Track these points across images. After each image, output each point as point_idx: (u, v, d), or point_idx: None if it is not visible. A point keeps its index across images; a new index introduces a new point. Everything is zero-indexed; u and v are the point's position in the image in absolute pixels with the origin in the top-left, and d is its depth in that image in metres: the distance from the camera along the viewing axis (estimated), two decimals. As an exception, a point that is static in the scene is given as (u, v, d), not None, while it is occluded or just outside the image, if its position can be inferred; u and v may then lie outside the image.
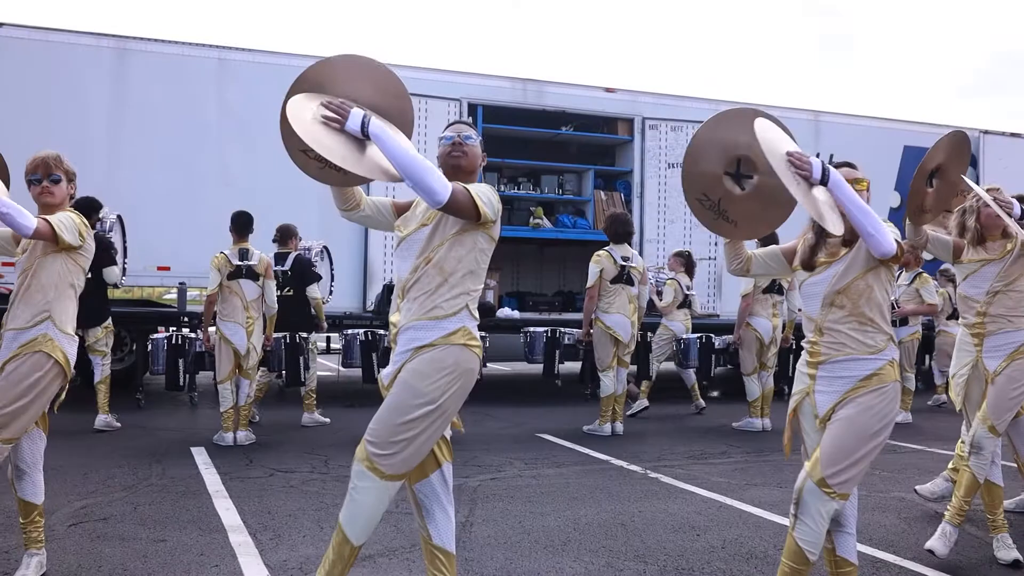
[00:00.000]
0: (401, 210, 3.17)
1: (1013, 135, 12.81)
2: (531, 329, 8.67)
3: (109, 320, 7.28)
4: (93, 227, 7.05)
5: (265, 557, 3.87)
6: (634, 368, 8.33)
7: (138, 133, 9.03)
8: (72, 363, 3.59)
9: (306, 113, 2.88)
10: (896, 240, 2.89)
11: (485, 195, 2.92)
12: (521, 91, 10.58)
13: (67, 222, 3.50)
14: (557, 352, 8.49)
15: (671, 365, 9.48)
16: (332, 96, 2.96)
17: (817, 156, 2.93)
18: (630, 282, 7.38)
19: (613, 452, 6.57)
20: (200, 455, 6.11)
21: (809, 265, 3.11)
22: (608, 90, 10.93)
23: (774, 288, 7.84)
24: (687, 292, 9.01)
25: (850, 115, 12.22)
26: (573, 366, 10.48)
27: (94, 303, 7.16)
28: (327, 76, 3.04)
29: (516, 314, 10.04)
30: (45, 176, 3.59)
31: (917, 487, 5.18)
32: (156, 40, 9.27)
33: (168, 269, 9.05)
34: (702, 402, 8.80)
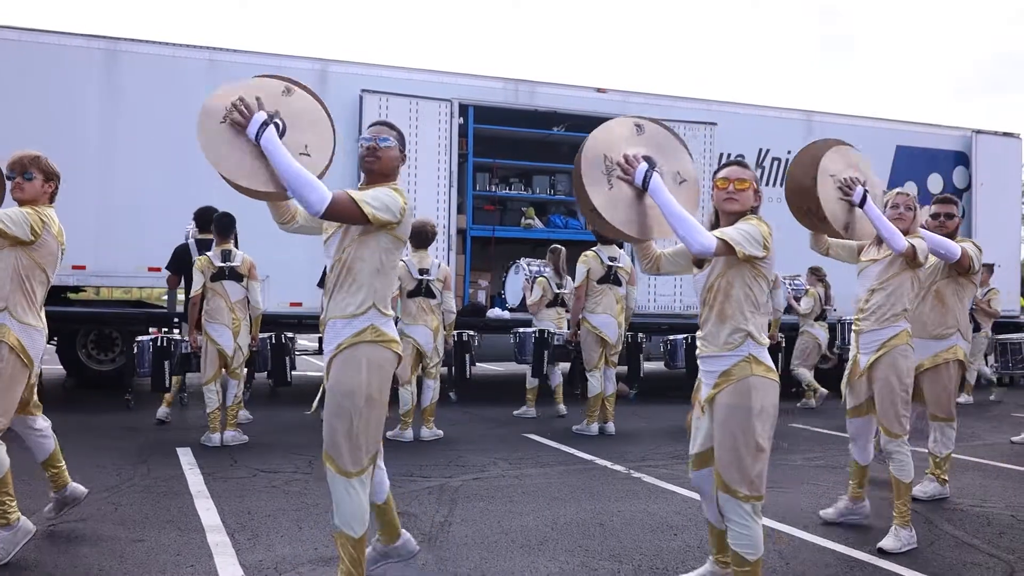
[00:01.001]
0: None
1: (1005, 134, 12.82)
2: (520, 330, 8.64)
3: None
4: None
5: (241, 557, 3.89)
6: (623, 369, 8.35)
7: (130, 134, 9.04)
8: (34, 352, 3.84)
9: (220, 107, 2.99)
10: (721, 238, 3.00)
11: (377, 199, 3.09)
12: (512, 91, 10.59)
13: (16, 216, 3.68)
14: (546, 352, 8.46)
15: (659, 365, 9.50)
16: (249, 93, 3.05)
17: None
18: (617, 282, 7.39)
19: (598, 452, 6.58)
20: (186, 455, 6.12)
21: (699, 262, 3.25)
22: (599, 90, 10.94)
23: None
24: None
25: (842, 115, 12.22)
26: (563, 366, 10.49)
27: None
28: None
29: (506, 314, 10.05)
30: (20, 173, 3.82)
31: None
32: (147, 41, 9.29)
33: (159, 270, 9.05)
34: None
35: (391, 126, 3.37)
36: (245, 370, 7.13)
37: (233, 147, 3.02)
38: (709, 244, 2.98)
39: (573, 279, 8.60)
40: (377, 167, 3.28)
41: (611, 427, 7.46)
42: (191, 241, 7.45)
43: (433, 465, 5.96)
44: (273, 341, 7.20)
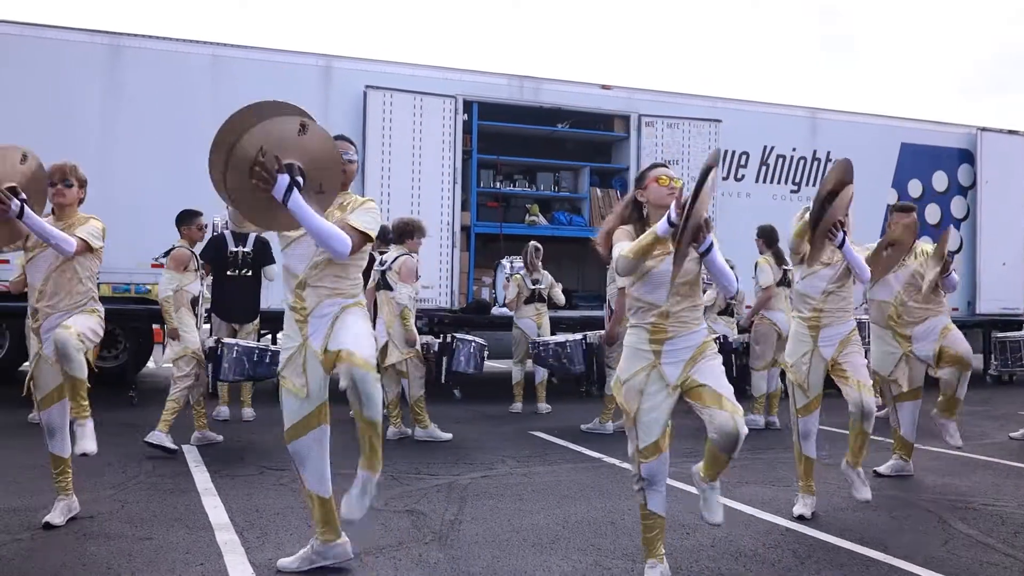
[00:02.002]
0: None
1: (1011, 132, 12.76)
2: (569, 338, 7.91)
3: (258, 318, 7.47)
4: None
5: (251, 556, 3.85)
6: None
7: (132, 130, 8.98)
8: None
9: (231, 144, 3.11)
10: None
11: (373, 221, 3.54)
12: (517, 88, 10.55)
13: (94, 231, 4.30)
14: (594, 359, 7.82)
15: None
16: (268, 140, 3.14)
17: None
18: None
19: (606, 450, 6.55)
20: (191, 452, 6.09)
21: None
22: (604, 87, 10.89)
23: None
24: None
25: (847, 112, 12.17)
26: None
27: (249, 301, 7.25)
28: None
29: (508, 311, 9.99)
30: (60, 181, 4.28)
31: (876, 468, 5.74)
32: (150, 37, 9.24)
33: (161, 267, 9.01)
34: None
35: (351, 140, 3.72)
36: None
37: (254, 197, 3.19)
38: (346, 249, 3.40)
39: (562, 274, 8.61)
40: (343, 180, 3.56)
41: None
42: (227, 232, 7.41)
43: (440, 463, 5.92)
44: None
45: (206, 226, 7.34)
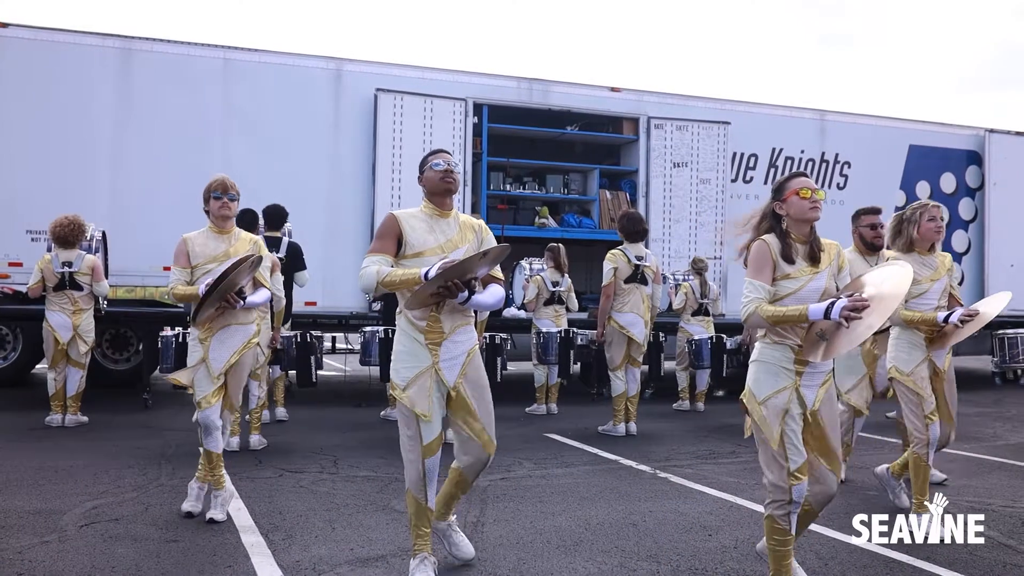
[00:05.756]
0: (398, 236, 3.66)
1: (1018, 134, 12.78)
2: (545, 330, 8.59)
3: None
4: (281, 235, 7.37)
5: (278, 557, 3.87)
6: (645, 368, 8.31)
7: (143, 133, 9.02)
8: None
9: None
10: None
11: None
12: (527, 90, 10.58)
13: (267, 263, 4.74)
14: (571, 352, 8.42)
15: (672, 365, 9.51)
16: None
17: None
18: (644, 281, 7.33)
19: (622, 452, 6.56)
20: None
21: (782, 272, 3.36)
22: (613, 89, 10.93)
23: None
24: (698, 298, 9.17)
25: (855, 114, 12.19)
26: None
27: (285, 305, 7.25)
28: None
29: (522, 313, 10.01)
30: (224, 194, 4.49)
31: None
32: (161, 40, 9.27)
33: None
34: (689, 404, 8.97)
35: (447, 151, 3.82)
36: (269, 369, 7.10)
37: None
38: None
39: (571, 277, 8.74)
40: (454, 188, 3.71)
41: (633, 427, 7.42)
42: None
43: (458, 465, 5.93)
44: (298, 339, 7.09)
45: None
